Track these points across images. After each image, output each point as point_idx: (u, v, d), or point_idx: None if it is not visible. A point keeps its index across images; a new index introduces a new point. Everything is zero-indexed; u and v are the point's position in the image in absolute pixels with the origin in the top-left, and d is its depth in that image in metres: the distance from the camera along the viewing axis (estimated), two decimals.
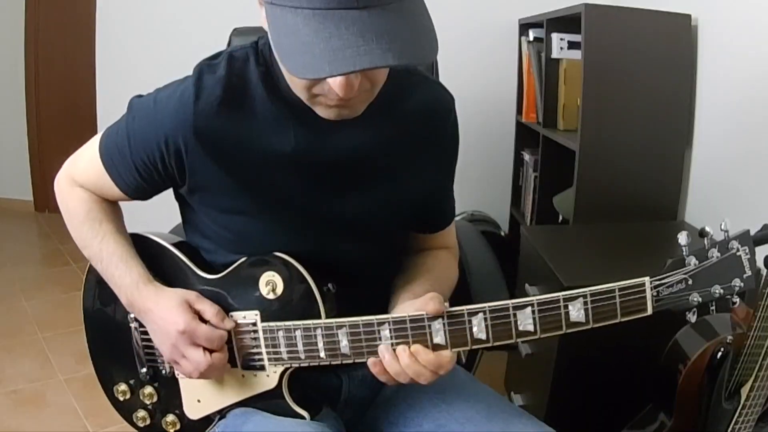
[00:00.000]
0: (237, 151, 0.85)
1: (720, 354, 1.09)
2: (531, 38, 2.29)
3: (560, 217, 2.12)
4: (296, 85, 0.79)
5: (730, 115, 1.67)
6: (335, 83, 0.71)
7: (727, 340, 1.09)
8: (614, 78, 1.76)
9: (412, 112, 0.92)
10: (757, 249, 0.99)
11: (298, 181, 0.88)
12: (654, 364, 1.23)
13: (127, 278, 0.92)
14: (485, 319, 0.79)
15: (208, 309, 0.89)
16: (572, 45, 2.01)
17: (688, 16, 1.77)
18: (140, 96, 0.92)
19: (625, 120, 1.78)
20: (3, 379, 2.18)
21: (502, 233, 2.58)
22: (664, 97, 1.78)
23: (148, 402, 0.99)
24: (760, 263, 1.05)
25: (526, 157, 2.42)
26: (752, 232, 0.78)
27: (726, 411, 1.10)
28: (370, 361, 0.83)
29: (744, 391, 1.07)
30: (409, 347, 0.81)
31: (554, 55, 2.07)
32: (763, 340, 1.03)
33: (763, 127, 1.52)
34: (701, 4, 1.77)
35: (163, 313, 0.89)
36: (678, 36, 1.77)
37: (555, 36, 2.04)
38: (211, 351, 0.88)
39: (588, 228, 1.81)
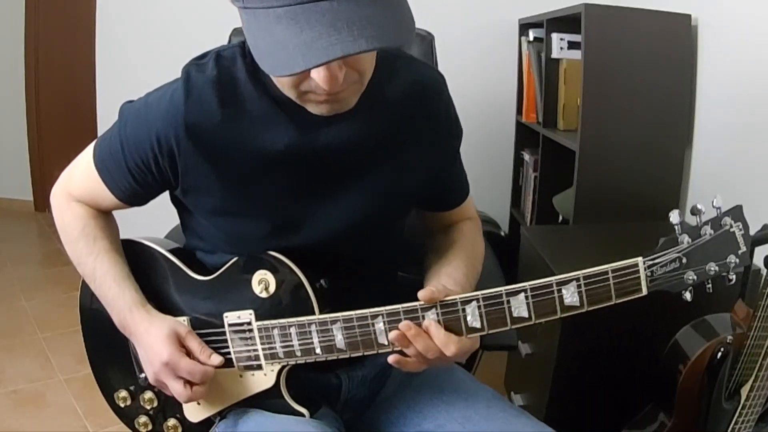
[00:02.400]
0: (229, 151, 0.85)
1: (720, 354, 1.09)
2: (531, 38, 2.28)
3: (560, 217, 2.12)
4: (284, 85, 0.79)
5: (730, 114, 1.67)
6: (319, 77, 0.71)
7: (727, 340, 1.09)
8: (614, 78, 1.76)
9: (401, 95, 0.90)
10: (757, 249, 0.99)
11: (292, 180, 0.87)
12: (654, 363, 1.23)
13: (120, 300, 0.92)
14: (479, 306, 0.79)
15: (196, 347, 0.90)
16: (572, 45, 2.01)
17: (688, 16, 1.77)
18: (131, 101, 0.92)
19: (625, 120, 1.78)
20: (3, 379, 2.18)
21: (502, 233, 2.57)
22: (664, 97, 1.78)
23: (148, 407, 0.99)
24: (760, 263, 1.06)
25: (526, 157, 2.42)
26: (752, 232, 0.77)
27: (726, 411, 1.10)
28: (392, 359, 0.82)
29: (744, 391, 1.07)
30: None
31: (554, 55, 2.06)
32: (763, 340, 1.03)
33: (763, 127, 1.52)
34: (701, 4, 1.77)
35: (150, 341, 0.89)
36: (678, 36, 1.77)
37: (555, 36, 2.04)
38: (192, 384, 0.88)
39: (588, 228, 1.81)
